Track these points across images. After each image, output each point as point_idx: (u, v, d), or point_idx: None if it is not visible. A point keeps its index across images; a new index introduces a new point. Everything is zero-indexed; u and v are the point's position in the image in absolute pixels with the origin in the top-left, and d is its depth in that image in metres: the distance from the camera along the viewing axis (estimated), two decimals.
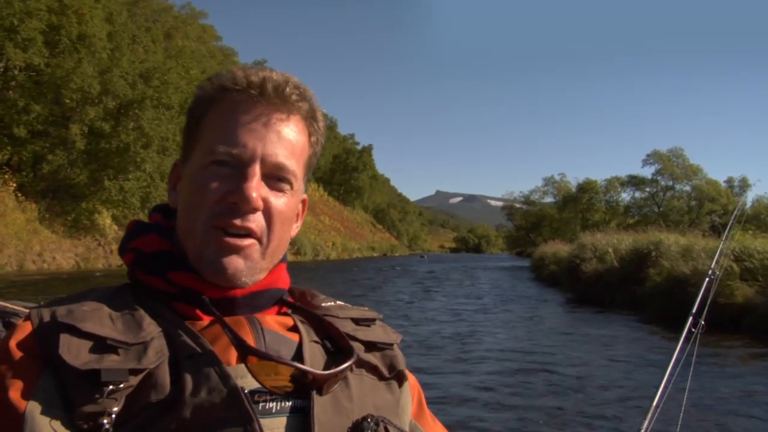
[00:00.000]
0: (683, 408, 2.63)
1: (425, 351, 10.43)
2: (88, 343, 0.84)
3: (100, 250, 32.42)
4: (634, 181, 68.71)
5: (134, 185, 32.43)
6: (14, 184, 29.54)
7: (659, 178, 66.24)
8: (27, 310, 1.18)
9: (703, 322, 2.67)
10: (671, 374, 2.46)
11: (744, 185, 65.38)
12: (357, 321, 1.07)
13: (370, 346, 1.04)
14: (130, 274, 1.03)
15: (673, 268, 15.07)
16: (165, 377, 0.84)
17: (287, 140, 0.99)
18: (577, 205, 70.89)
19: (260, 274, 1.00)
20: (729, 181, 67.15)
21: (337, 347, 1.01)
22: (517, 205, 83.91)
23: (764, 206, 58.52)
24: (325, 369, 0.92)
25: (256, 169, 0.95)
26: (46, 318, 0.88)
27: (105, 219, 34.04)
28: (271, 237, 0.99)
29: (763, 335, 11.43)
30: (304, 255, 58.59)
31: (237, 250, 0.95)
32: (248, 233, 0.96)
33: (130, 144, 31.66)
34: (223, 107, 0.98)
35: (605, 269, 20.93)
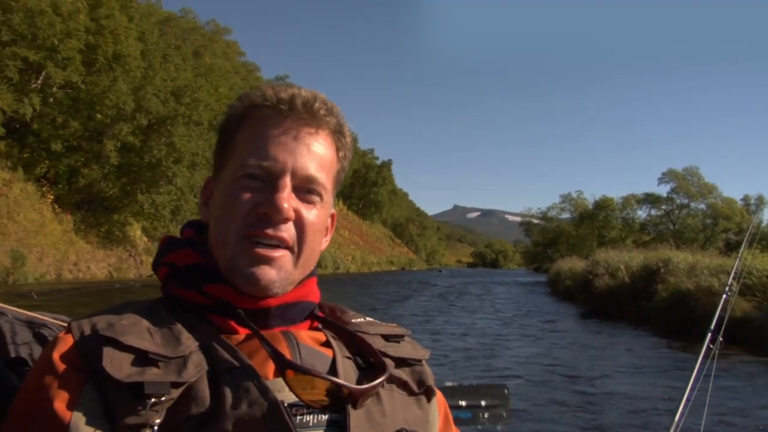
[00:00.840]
0: (704, 418, 2.70)
1: (450, 364, 11.10)
2: (130, 357, 0.86)
3: (131, 261, 33.47)
4: (650, 199, 68.60)
5: (165, 198, 33.45)
6: (52, 197, 30.52)
7: (674, 196, 66.40)
8: (55, 321, 1.21)
9: (721, 339, 2.66)
10: (692, 390, 2.44)
11: (760, 203, 65.00)
12: (387, 337, 1.09)
13: (400, 362, 1.06)
14: (164, 289, 1.05)
15: (678, 284, 16.08)
16: (205, 390, 0.86)
17: (316, 154, 1.01)
18: (594, 222, 71.12)
19: (291, 285, 1.02)
20: (745, 199, 66.87)
21: (368, 363, 1.03)
22: (535, 221, 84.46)
23: None
24: (357, 384, 0.95)
25: (287, 181, 0.98)
26: (87, 331, 0.90)
27: (135, 231, 35.06)
28: (303, 247, 1.00)
29: (759, 346, 12.35)
30: (325, 268, 59.24)
31: (269, 261, 0.97)
32: (280, 243, 0.98)
33: (162, 159, 32.85)
34: (254, 123, 1.01)
35: (616, 285, 21.89)
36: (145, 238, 35.35)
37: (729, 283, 3.08)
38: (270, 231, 0.97)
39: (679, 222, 65.63)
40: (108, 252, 32.36)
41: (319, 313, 1.11)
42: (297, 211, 0.99)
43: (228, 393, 0.86)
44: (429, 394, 1.09)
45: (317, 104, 1.02)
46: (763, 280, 14.16)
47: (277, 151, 0.98)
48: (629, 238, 64.50)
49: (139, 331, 0.90)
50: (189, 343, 0.91)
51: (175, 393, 0.85)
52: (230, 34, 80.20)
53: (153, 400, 0.83)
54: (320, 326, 1.08)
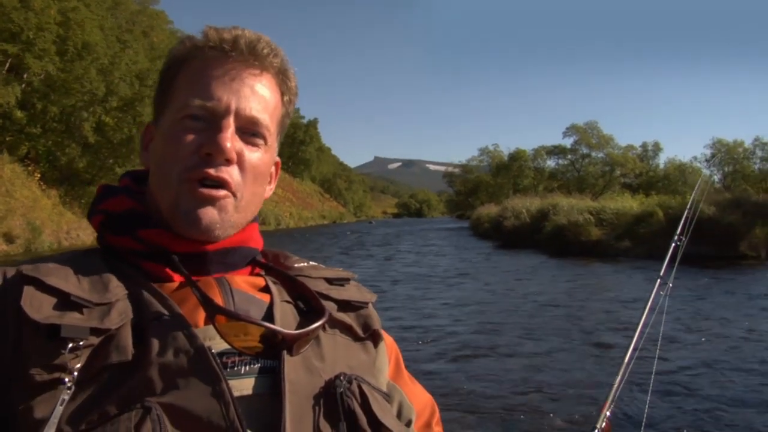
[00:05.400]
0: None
1: (416, 287, 14.70)
2: (52, 299, 0.82)
3: None
4: (557, 150, 73.30)
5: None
6: (38, 175, 33.90)
7: (578, 147, 70.79)
8: None
9: (670, 284, 2.62)
10: (642, 331, 2.40)
11: (656, 149, 71.27)
12: (330, 281, 1.06)
13: (344, 306, 1.03)
14: (99, 238, 1.01)
15: (557, 220, 22.90)
16: (127, 339, 0.82)
17: (260, 95, 0.97)
18: (509, 172, 75.25)
19: (232, 229, 0.98)
20: (644, 146, 72.05)
21: (309, 307, 0.99)
22: (456, 172, 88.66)
23: (674, 167, 66.50)
24: (297, 329, 0.90)
25: (231, 122, 0.93)
26: (10, 273, 0.87)
27: None
28: (245, 191, 0.96)
29: (604, 258, 19.11)
30: (268, 224, 62.56)
31: (212, 201, 0.93)
32: (222, 184, 0.93)
33: (133, 135, 36.94)
34: (196, 64, 0.96)
35: (520, 224, 28.62)
36: None
37: (678, 231, 2.91)
38: (212, 171, 0.92)
39: (582, 170, 70.50)
40: None
41: (262, 260, 1.09)
42: (240, 153, 0.95)
43: (153, 341, 0.82)
44: (375, 338, 1.05)
45: (261, 45, 0.98)
46: (612, 215, 20.91)
47: (220, 91, 0.94)
48: (541, 185, 68.20)
49: (65, 275, 0.86)
50: (117, 290, 0.87)
51: (95, 340, 0.81)
52: (157, 3, 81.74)
53: (71, 344, 0.78)
54: (262, 272, 1.06)
